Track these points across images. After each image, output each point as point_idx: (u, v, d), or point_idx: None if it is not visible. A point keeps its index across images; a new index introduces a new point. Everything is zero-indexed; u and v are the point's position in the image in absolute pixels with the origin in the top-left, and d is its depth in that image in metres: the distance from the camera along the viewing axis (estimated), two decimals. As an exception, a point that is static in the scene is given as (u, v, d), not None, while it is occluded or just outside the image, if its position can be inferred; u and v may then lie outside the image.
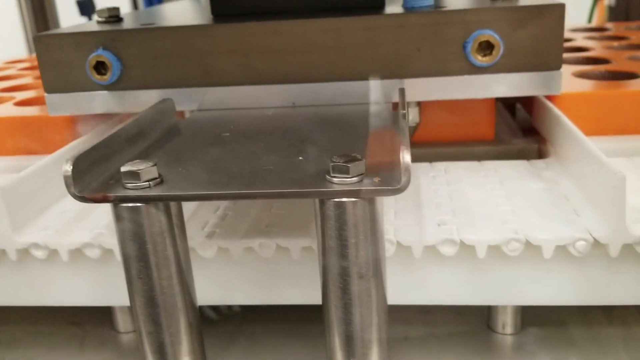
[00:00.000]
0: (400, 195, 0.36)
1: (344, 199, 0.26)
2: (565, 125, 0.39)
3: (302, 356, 0.36)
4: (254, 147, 0.33)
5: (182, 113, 0.43)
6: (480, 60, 0.38)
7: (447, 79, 0.39)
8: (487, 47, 0.38)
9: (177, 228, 0.29)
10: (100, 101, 0.41)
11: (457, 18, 0.37)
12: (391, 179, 0.26)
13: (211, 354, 0.34)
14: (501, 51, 0.38)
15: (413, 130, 0.43)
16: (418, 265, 0.33)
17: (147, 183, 0.27)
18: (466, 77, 0.39)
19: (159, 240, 0.28)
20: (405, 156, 0.25)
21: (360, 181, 0.26)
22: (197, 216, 0.37)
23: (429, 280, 0.33)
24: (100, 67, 0.40)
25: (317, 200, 0.27)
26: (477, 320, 0.37)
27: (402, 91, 0.35)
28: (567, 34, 0.65)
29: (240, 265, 0.34)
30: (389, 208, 0.35)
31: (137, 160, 0.28)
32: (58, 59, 0.41)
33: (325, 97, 0.40)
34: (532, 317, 0.37)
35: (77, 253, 0.35)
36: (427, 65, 0.39)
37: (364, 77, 0.39)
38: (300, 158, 0.30)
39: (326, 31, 0.38)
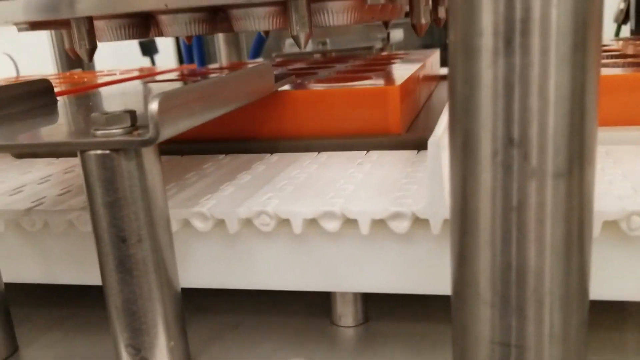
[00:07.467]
0: (254, 176, 0.35)
1: (95, 152, 0.25)
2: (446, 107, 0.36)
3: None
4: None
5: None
6: None
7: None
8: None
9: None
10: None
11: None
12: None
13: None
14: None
15: (304, 39, 0.38)
16: (239, 243, 0.31)
17: None
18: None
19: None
20: (152, 106, 0.24)
21: (125, 134, 0.25)
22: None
23: (252, 261, 0.31)
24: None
25: (80, 156, 0.26)
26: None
27: None
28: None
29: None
30: (230, 187, 0.34)
31: None
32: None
33: None
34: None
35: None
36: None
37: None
38: (93, 114, 0.28)
39: None
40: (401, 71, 0.51)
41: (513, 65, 0.19)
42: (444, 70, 0.77)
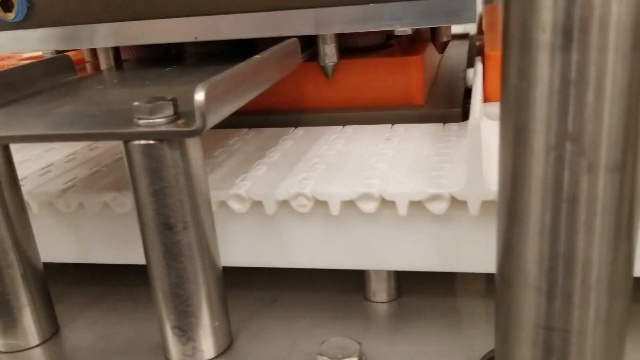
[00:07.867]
0: (283, 153, 0.36)
1: (139, 142, 0.25)
2: (475, 84, 0.36)
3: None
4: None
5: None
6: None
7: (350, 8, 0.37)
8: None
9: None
10: (6, 40, 0.42)
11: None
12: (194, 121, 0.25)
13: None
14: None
15: (331, 69, 0.41)
16: (275, 223, 0.31)
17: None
18: (371, 5, 0.37)
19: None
20: (198, 96, 0.24)
21: (168, 123, 0.25)
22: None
23: (288, 241, 0.31)
24: (6, 3, 0.41)
25: (123, 145, 0.26)
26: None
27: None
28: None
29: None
30: (262, 165, 0.34)
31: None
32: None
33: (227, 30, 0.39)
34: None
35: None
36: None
37: (269, 8, 0.38)
38: (136, 103, 0.29)
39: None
40: (417, 39, 0.50)
41: (571, 61, 0.19)
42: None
